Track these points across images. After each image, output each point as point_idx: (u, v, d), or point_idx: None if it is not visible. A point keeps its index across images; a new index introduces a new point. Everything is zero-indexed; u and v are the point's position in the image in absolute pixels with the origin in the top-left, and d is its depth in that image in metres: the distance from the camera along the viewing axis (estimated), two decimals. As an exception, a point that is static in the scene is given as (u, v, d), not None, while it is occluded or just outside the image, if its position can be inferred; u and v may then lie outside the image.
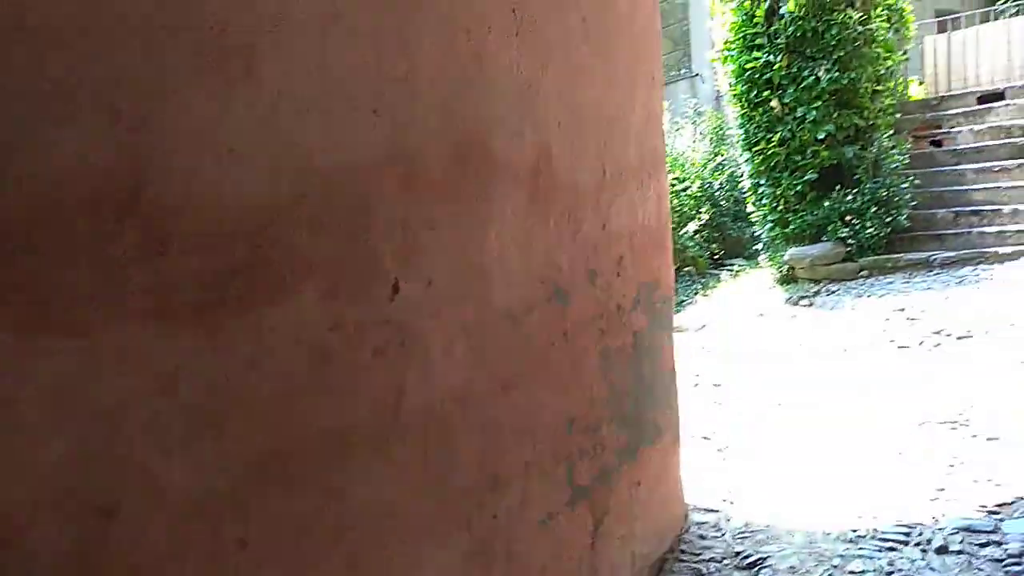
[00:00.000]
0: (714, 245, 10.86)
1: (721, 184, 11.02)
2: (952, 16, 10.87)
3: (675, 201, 9.92)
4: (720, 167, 11.04)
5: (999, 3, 11.94)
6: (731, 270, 10.00)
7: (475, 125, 1.75)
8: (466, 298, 1.68)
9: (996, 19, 10.85)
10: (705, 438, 3.95)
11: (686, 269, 10.09)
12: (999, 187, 7.84)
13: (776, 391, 4.63)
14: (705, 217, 10.58)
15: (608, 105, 2.41)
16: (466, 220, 1.69)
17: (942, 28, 10.58)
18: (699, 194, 10.36)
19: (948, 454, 3.32)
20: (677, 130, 11.67)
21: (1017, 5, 11.30)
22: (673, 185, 9.89)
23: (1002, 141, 8.32)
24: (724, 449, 3.75)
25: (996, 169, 8.01)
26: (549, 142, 2.03)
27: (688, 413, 4.24)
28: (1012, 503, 2.71)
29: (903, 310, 6.01)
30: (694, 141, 11.53)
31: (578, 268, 2.19)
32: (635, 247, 2.54)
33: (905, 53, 9.68)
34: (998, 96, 8.99)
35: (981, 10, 11.52)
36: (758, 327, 6.93)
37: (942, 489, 2.92)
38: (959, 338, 5.08)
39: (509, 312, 1.84)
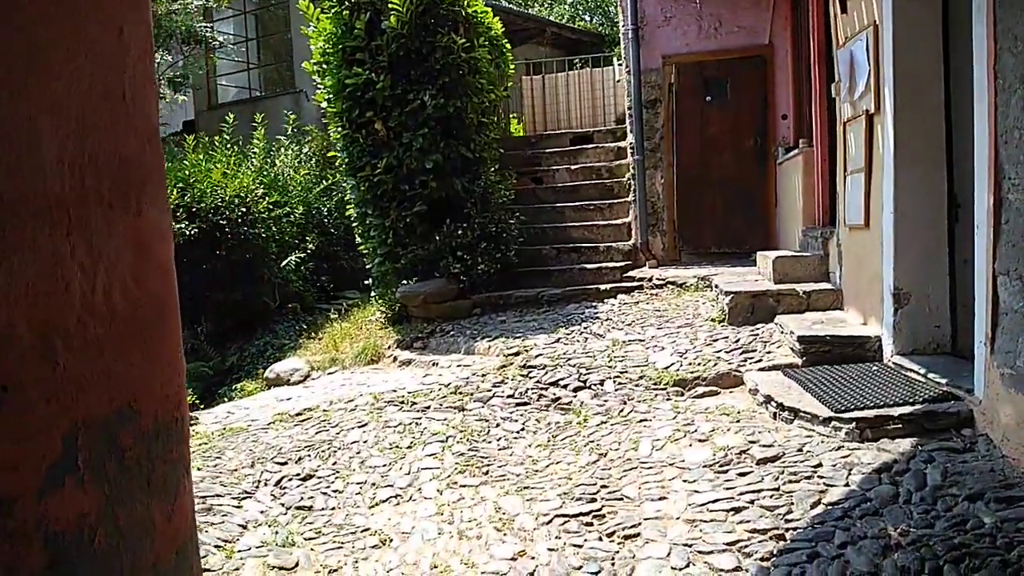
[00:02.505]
0: (324, 277, 9.74)
1: (330, 210, 9.96)
2: (538, 61, 11.41)
3: (275, 228, 8.56)
4: (328, 192, 9.98)
5: (576, 59, 12.99)
6: (344, 304, 8.97)
7: None
8: None
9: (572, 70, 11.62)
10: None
11: (290, 306, 8.79)
12: (594, 225, 8.04)
13: (391, 479, 3.61)
14: (312, 247, 9.40)
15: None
16: None
17: (533, 72, 10.96)
18: (303, 221, 9.14)
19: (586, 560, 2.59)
20: (279, 149, 10.36)
21: (583, 59, 12.27)
22: (271, 210, 8.52)
23: (593, 181, 8.63)
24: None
25: (591, 208, 8.23)
26: None
27: (260, 535, 3.00)
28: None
29: (518, 354, 5.50)
30: (297, 162, 10.31)
31: None
32: (66, 352, 1.22)
33: (506, 89, 9.72)
34: (587, 139, 9.41)
35: (562, 58, 12.34)
36: (367, 379, 5.95)
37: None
38: (574, 390, 4.62)
39: None
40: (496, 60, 8.95)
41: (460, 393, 4.83)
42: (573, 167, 8.88)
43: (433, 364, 5.95)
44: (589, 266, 7.52)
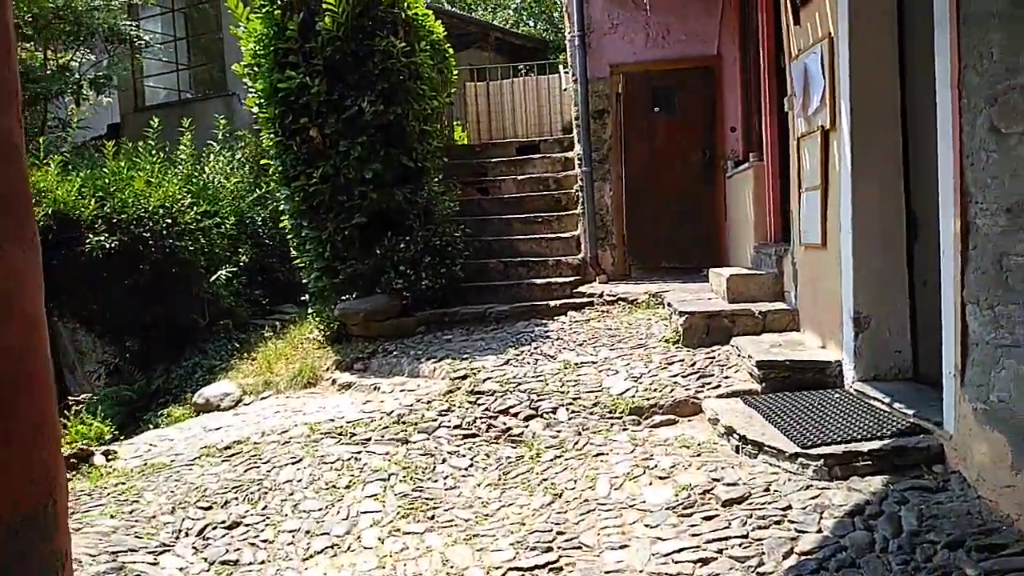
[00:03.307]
0: (259, 291, 9.25)
1: (265, 220, 9.48)
2: (482, 67, 11.15)
3: (204, 240, 8.08)
4: (262, 201, 9.50)
5: (521, 65, 12.74)
6: (281, 320, 8.54)
7: None
8: None
9: (518, 76, 11.39)
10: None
11: (221, 323, 8.30)
12: (543, 238, 7.83)
13: (327, 525, 3.29)
14: (245, 259, 8.93)
15: None
16: None
17: (478, 78, 10.68)
18: (235, 232, 8.66)
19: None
20: (209, 155, 9.84)
21: (528, 65, 12.06)
22: (199, 221, 8.04)
23: (540, 193, 8.42)
24: None
25: (538, 220, 8.01)
26: None
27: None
28: None
29: (465, 378, 5.23)
30: (229, 168, 9.81)
31: None
32: None
33: (449, 96, 9.44)
34: (534, 148, 9.20)
35: (507, 64, 12.11)
36: (304, 405, 5.59)
37: None
38: (525, 419, 4.37)
39: None
40: (439, 65, 8.67)
41: (403, 423, 4.52)
42: (520, 177, 8.65)
43: (375, 388, 5.62)
44: (538, 281, 7.29)
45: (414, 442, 4.23)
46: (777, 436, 3.38)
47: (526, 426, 4.25)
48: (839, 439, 3.19)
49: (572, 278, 7.35)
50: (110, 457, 4.57)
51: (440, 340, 6.48)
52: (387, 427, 4.50)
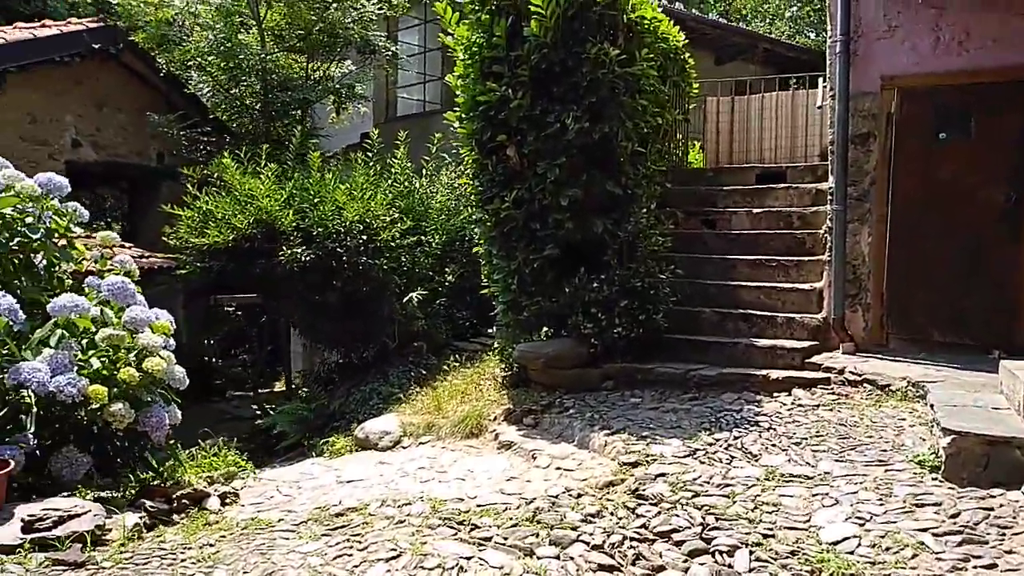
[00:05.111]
0: (465, 312, 8.82)
1: (478, 237, 9.04)
2: (741, 79, 9.75)
3: (405, 259, 7.75)
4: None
5: (793, 79, 11.12)
6: (483, 344, 8.03)
7: None
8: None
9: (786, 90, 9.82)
10: None
11: (415, 345, 7.95)
12: (775, 287, 6.41)
13: None
14: (451, 279, 8.53)
15: None
16: None
17: (738, 92, 9.30)
18: (440, 252, 8.26)
19: None
20: (439, 169, 9.63)
21: (785, 78, 10.43)
22: (399, 238, 7.71)
23: (780, 231, 6.96)
24: None
25: (772, 264, 6.59)
26: None
27: None
28: None
29: (636, 466, 4.19)
30: (455, 182, 9.53)
31: None
32: None
33: (685, 112, 8.32)
34: (779, 176, 7.73)
35: (758, 77, 10.58)
36: (452, 462, 4.91)
37: None
38: (688, 554, 3.21)
39: None
40: (673, 78, 7.61)
41: (539, 522, 3.59)
42: (756, 210, 7.26)
43: (532, 456, 4.76)
44: (760, 343, 5.92)
45: (538, 557, 3.27)
46: None
47: (685, 569, 3.09)
48: None
49: (806, 343, 5.87)
50: (227, 501, 4.18)
51: (625, 402, 5.45)
52: (517, 524, 3.59)
